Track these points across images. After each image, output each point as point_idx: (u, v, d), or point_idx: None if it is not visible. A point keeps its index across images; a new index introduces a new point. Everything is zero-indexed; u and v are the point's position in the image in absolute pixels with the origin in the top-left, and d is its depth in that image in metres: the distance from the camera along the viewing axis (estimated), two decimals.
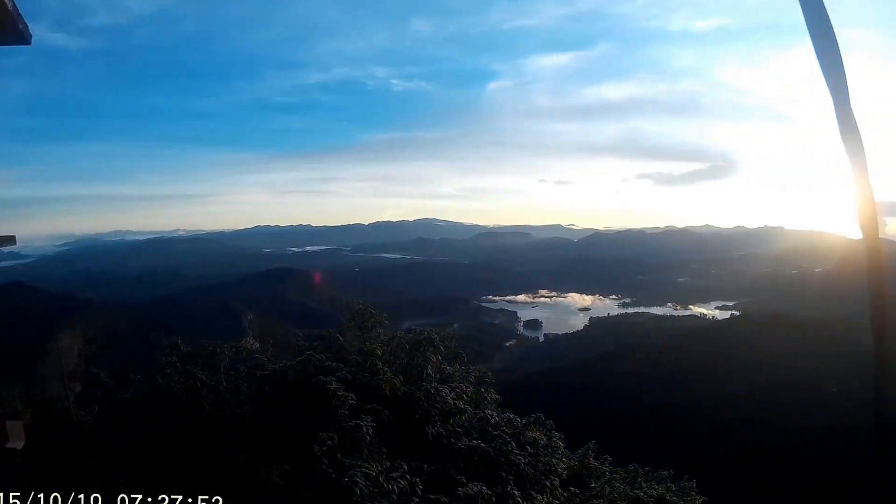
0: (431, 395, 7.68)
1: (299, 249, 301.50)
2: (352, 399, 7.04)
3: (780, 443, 44.89)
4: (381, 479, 6.22)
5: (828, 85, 1.22)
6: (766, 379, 59.24)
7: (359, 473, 6.05)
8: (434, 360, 8.35)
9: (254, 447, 6.62)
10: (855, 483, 30.71)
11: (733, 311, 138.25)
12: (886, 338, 1.36)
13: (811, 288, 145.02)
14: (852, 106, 1.23)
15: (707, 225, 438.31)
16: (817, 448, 42.55)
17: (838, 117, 1.24)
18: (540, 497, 7.07)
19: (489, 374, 9.70)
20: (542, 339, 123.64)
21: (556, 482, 7.95)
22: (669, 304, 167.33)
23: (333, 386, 7.12)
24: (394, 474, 6.31)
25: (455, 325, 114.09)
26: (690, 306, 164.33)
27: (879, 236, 1.28)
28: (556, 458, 8.76)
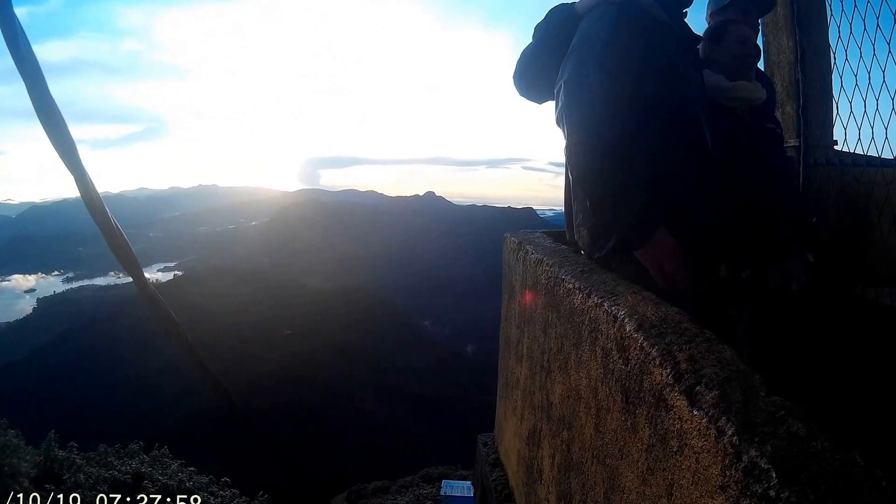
0: None
1: None
2: None
3: (244, 388, 45.59)
4: None
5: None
6: (220, 331, 59.96)
7: None
8: None
9: None
10: None
11: (176, 272, 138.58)
12: (148, 288, 1.30)
13: (249, 241, 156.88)
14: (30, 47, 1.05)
15: (142, 188, 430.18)
16: (282, 385, 46.80)
17: (15, 60, 1.06)
18: None
19: None
20: None
21: (27, 483, 7.87)
22: (112, 273, 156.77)
23: None
24: None
25: None
26: None
27: (92, 182, 1.20)
28: (17, 457, 8.63)
